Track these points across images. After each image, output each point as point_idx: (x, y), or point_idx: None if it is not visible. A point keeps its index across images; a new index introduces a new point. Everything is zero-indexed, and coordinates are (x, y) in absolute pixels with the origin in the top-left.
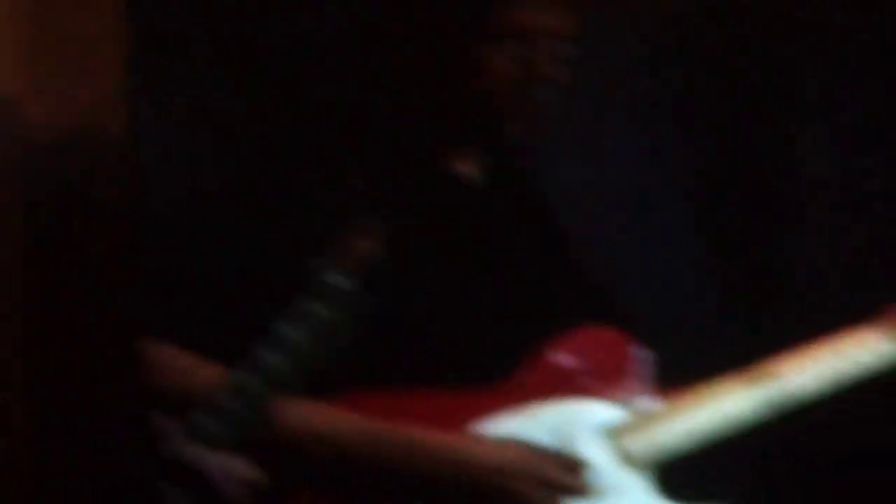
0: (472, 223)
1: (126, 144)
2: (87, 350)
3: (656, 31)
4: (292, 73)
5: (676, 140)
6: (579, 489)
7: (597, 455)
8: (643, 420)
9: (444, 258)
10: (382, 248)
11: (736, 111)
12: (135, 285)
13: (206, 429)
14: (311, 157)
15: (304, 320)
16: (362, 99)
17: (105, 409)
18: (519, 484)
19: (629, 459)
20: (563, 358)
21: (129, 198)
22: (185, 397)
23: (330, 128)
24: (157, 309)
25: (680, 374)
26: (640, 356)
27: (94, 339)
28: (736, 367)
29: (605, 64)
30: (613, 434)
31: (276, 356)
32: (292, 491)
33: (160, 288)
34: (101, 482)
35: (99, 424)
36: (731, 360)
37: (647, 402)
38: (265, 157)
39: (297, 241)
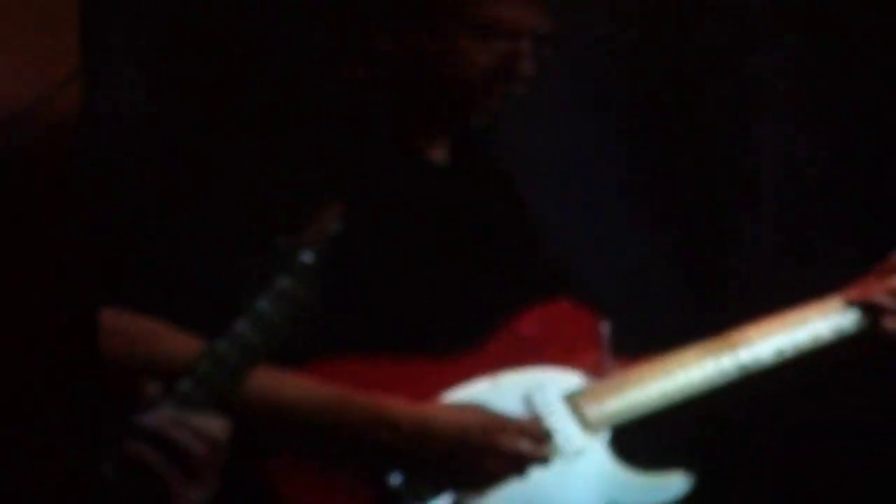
0: (441, 203)
1: (79, 125)
2: (34, 326)
3: (609, 21)
4: (263, 55)
5: (632, 124)
6: (542, 459)
7: (559, 420)
8: (603, 387)
9: (414, 235)
10: (347, 227)
11: (687, 98)
12: (88, 268)
13: (186, 394)
14: (281, 140)
15: (275, 294)
16: (334, 83)
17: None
18: (481, 453)
19: (589, 425)
20: (528, 328)
21: (81, 178)
22: (160, 365)
23: (301, 111)
24: (135, 286)
25: (639, 344)
26: (602, 327)
27: (44, 315)
28: (693, 338)
29: (561, 50)
30: (575, 400)
31: (250, 327)
32: (265, 458)
33: (141, 270)
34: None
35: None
36: (689, 331)
37: (608, 371)
38: (236, 138)
39: (266, 220)
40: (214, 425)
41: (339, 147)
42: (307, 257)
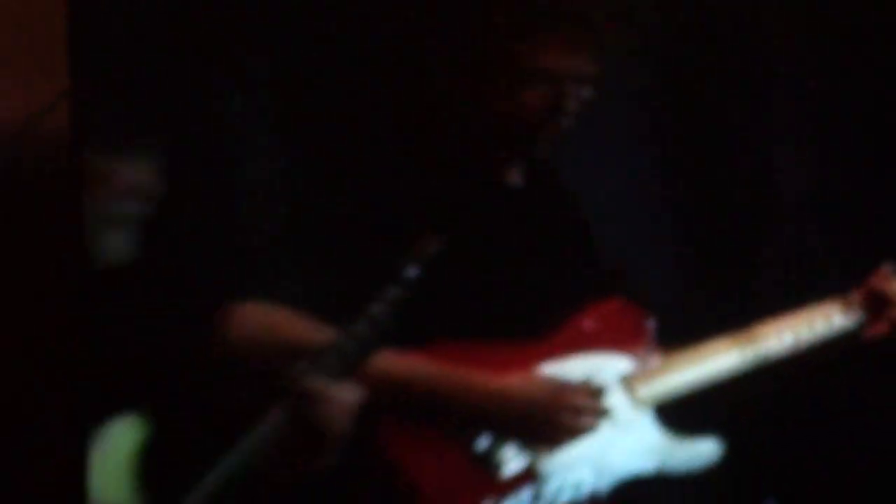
0: (517, 219)
1: (67, 144)
2: (34, 326)
3: (641, 57)
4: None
5: (669, 152)
6: (598, 411)
7: (614, 397)
8: (650, 372)
9: (496, 246)
10: (447, 242)
11: (715, 121)
12: (88, 270)
13: (322, 373)
14: (391, 178)
15: (387, 302)
16: (429, 131)
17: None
18: (549, 409)
19: (639, 402)
20: (588, 322)
21: (71, 195)
22: (296, 347)
23: (403, 153)
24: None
25: (678, 336)
26: (648, 322)
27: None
28: (722, 332)
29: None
30: (628, 382)
31: (366, 327)
32: (376, 425)
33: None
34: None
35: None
36: (719, 326)
37: (653, 358)
38: (359, 183)
39: (382, 243)
40: (347, 395)
41: (437, 181)
42: (412, 272)
